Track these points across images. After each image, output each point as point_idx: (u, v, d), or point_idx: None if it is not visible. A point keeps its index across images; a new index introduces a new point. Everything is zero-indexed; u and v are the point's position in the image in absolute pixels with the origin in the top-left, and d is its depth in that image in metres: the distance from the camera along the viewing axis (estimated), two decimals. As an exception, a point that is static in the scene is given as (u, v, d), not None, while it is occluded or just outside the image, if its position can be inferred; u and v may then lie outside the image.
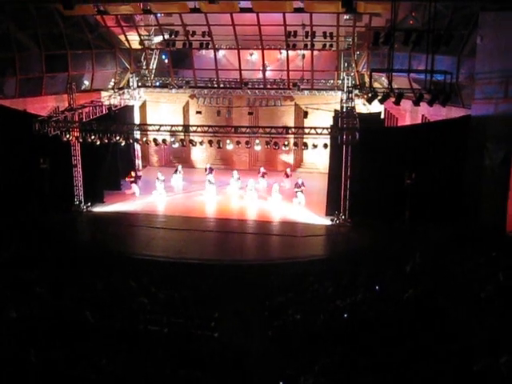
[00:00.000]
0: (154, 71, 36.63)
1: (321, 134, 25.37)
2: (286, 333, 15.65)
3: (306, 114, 29.87)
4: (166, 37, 33.97)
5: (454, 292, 14.90)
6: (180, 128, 27.29)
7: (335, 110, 30.79)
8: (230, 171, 33.87)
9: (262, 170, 33.51)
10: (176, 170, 33.84)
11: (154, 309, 16.72)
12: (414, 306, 14.41)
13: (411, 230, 24.24)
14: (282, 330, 16.06)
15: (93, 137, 26.27)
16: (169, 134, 26.83)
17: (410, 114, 30.41)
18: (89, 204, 28.94)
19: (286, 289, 19.68)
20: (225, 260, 23.44)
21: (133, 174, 32.48)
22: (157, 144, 26.88)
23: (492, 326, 12.19)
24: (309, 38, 31.62)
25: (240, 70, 34.32)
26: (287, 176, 32.86)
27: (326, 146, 26.06)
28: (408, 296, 15.39)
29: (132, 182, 32.11)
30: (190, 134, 27.37)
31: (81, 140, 27.00)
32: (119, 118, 30.75)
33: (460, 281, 15.77)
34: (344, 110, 28.68)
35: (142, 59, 36.35)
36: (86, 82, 34.30)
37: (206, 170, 33.95)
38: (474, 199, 24.05)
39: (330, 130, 25.66)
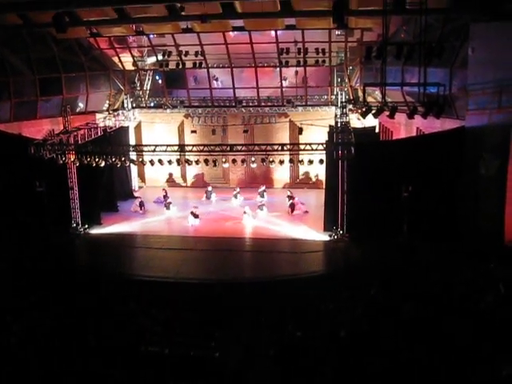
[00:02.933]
0: (148, 92, 36.78)
1: (316, 149, 25.40)
2: (288, 350, 15.54)
3: (300, 131, 29.94)
4: (160, 57, 34.14)
5: (453, 304, 14.86)
6: (175, 148, 27.29)
7: (330, 126, 30.88)
8: (227, 189, 34.11)
9: (262, 188, 33.76)
10: (165, 196, 33.80)
11: (154, 330, 16.62)
12: (414, 319, 14.36)
13: (409, 243, 24.19)
14: (284, 348, 15.95)
15: (88, 159, 26.27)
16: (164, 154, 26.78)
17: (404, 127, 30.49)
18: (86, 226, 28.85)
19: (285, 306, 19.58)
20: (224, 279, 23.30)
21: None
22: (153, 164, 26.88)
23: (492, 337, 12.14)
24: (301, 55, 31.76)
25: (234, 88, 34.44)
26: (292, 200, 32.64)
27: (321, 161, 26.12)
28: (408, 309, 15.34)
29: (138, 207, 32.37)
30: (186, 153, 27.43)
31: (77, 162, 26.98)
32: (114, 140, 30.88)
33: (459, 292, 15.74)
34: (338, 125, 28.79)
35: (136, 80, 36.52)
36: (81, 105, 34.37)
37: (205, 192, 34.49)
38: (471, 210, 24.05)
39: (325, 146, 25.69)
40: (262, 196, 33.50)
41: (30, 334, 14.56)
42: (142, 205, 32.38)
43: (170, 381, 12.47)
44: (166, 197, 33.41)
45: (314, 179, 36.12)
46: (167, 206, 32.08)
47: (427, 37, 20.15)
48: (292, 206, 31.33)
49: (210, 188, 34.89)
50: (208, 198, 34.33)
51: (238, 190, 34.12)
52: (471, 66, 23.69)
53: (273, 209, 31.91)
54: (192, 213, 29.99)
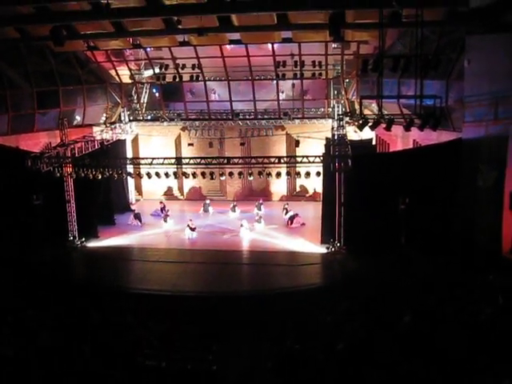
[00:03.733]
0: (145, 105, 36.84)
1: (313, 162, 25.39)
2: (287, 363, 15.48)
3: (297, 143, 30.01)
4: (157, 70, 34.22)
5: (452, 316, 14.82)
6: (172, 161, 27.28)
7: (327, 138, 30.91)
8: (224, 202, 34.16)
9: (259, 202, 33.76)
10: (162, 209, 33.73)
11: (151, 343, 16.54)
12: (411, 332, 14.31)
13: (407, 255, 24.16)
14: (282, 361, 15.88)
15: (85, 172, 26.26)
16: (161, 167, 26.75)
17: (401, 140, 30.54)
18: (83, 239, 28.81)
19: (283, 319, 19.52)
20: (221, 292, 23.25)
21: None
22: (150, 177, 26.87)
23: (491, 348, 12.09)
24: (298, 68, 31.84)
25: (230, 101, 34.48)
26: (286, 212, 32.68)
27: (318, 174, 26.09)
28: (406, 322, 15.29)
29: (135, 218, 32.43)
30: (183, 166, 27.41)
31: (74, 175, 27.00)
32: (111, 153, 30.86)
33: (457, 304, 15.70)
34: (335, 137, 28.80)
35: (133, 93, 36.59)
36: (78, 118, 34.37)
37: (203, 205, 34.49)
38: (468, 221, 24.03)
39: (322, 158, 25.71)
40: (259, 209, 33.48)
41: (27, 348, 14.47)
42: (137, 217, 32.33)
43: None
44: (163, 209, 33.41)
45: (310, 192, 36.14)
46: (165, 219, 32.05)
47: (423, 49, 20.23)
48: (292, 219, 31.32)
49: (207, 201, 34.86)
50: (205, 210, 34.32)
51: (235, 203, 34.12)
52: (467, 78, 23.77)
53: (270, 221, 31.88)
54: (189, 226, 29.96)
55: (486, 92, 22.45)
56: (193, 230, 29.95)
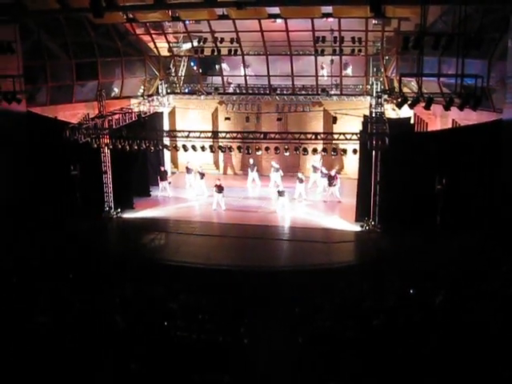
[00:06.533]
0: (182, 78, 36.87)
1: (350, 139, 25.23)
2: (317, 339, 15.54)
3: (335, 120, 29.70)
4: (195, 44, 34.18)
5: (487, 297, 14.71)
6: (209, 134, 27.34)
7: (364, 116, 30.55)
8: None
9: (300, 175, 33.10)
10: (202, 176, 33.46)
11: (183, 315, 16.71)
12: (446, 312, 14.25)
13: (442, 236, 23.96)
14: (313, 337, 15.96)
15: (122, 143, 26.43)
16: (198, 140, 26.78)
17: (440, 119, 30.13)
18: (119, 210, 29.17)
19: (315, 295, 19.57)
20: (254, 266, 23.35)
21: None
22: (186, 150, 26.93)
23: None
24: (337, 44, 31.47)
25: (268, 76, 34.31)
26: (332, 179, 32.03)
27: (355, 151, 25.89)
28: (440, 301, 15.21)
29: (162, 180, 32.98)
30: (219, 140, 27.44)
31: (111, 147, 27.24)
32: (149, 125, 31.06)
33: (493, 286, 15.57)
34: (373, 115, 28.47)
35: (171, 66, 36.64)
36: (116, 90, 34.62)
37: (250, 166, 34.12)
38: (507, 203, 23.70)
39: (359, 136, 25.51)
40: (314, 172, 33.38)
41: (60, 315, 14.73)
42: (161, 177, 32.92)
43: (194, 372, 12.47)
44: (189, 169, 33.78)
45: (346, 169, 35.86)
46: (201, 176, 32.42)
47: (466, 28, 19.82)
48: (330, 179, 31.20)
49: (251, 161, 34.07)
50: (252, 171, 34.07)
51: (278, 166, 33.49)
52: (510, 58, 23.32)
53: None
54: (216, 185, 30.14)
55: (529, 73, 22.05)
56: (221, 190, 30.06)
